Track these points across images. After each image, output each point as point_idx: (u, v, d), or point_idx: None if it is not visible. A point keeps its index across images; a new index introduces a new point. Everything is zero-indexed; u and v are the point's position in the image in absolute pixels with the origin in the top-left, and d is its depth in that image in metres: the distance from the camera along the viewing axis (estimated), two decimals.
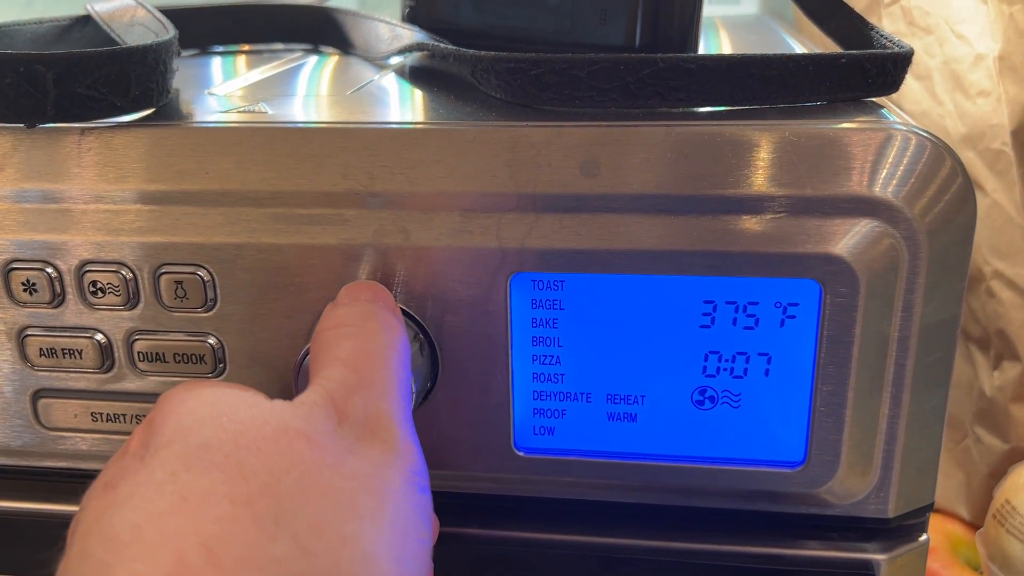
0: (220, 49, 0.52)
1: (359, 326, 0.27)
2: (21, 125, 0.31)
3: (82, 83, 0.30)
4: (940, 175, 0.28)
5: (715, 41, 0.52)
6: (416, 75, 0.41)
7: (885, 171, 0.28)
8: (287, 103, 0.35)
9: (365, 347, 0.26)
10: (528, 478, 0.33)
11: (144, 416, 0.32)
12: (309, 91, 0.38)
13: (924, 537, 0.33)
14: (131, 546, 0.19)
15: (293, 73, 0.43)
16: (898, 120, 0.29)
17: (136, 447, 0.23)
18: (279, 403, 0.23)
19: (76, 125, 0.31)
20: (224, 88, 0.39)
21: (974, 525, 0.59)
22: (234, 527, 0.19)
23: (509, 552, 0.34)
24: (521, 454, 0.32)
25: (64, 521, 0.35)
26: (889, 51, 0.32)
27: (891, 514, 0.32)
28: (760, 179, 0.28)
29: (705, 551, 0.33)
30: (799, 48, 0.48)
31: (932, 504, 0.32)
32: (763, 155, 0.28)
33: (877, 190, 0.28)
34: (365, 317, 0.27)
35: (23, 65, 0.29)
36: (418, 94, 0.37)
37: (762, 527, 0.33)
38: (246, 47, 0.53)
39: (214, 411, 0.23)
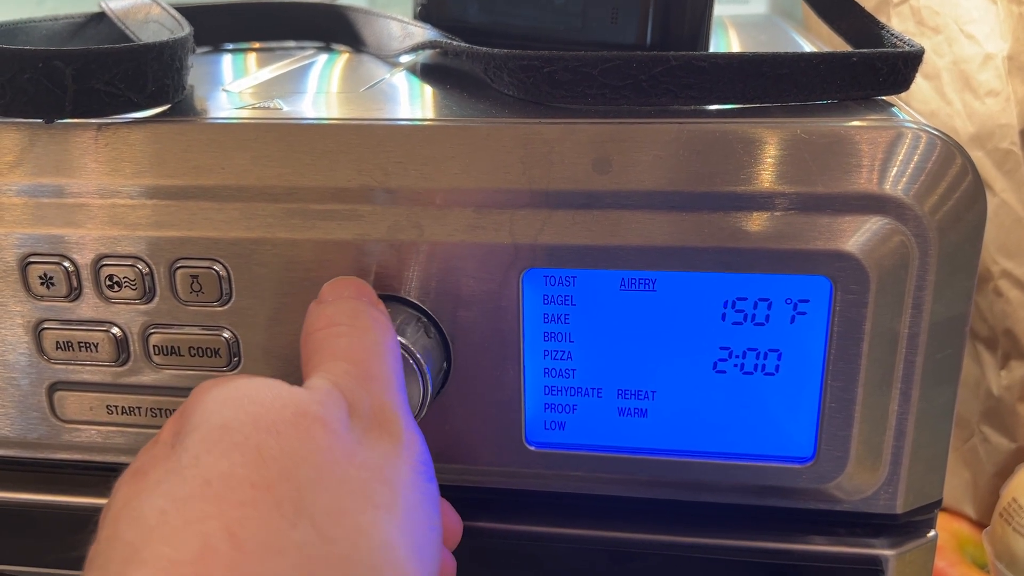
0: (232, 46, 0.52)
1: (350, 324, 0.27)
2: (39, 120, 0.31)
3: (100, 79, 0.30)
4: (950, 173, 0.29)
5: (724, 40, 0.52)
6: (428, 73, 0.41)
7: (896, 169, 0.28)
8: (301, 100, 0.35)
9: (360, 344, 0.26)
10: (539, 472, 0.33)
11: (159, 409, 0.33)
12: (322, 88, 0.38)
13: (932, 533, 0.33)
14: (158, 530, 0.20)
15: (306, 70, 0.43)
16: (909, 118, 0.29)
17: (167, 436, 0.23)
18: (297, 388, 0.24)
19: (93, 121, 0.31)
20: (238, 85, 0.39)
21: (981, 524, 0.59)
22: (256, 511, 0.20)
23: (520, 546, 0.34)
24: (532, 448, 0.32)
25: (78, 513, 0.36)
26: (900, 50, 0.32)
27: (900, 510, 0.32)
28: (771, 176, 0.29)
29: (714, 546, 0.33)
30: (809, 47, 0.48)
31: (940, 501, 0.32)
32: (774, 152, 0.29)
33: (888, 187, 0.28)
34: (354, 315, 0.28)
35: (42, 61, 0.30)
36: (431, 91, 0.37)
37: (771, 522, 0.33)
38: (257, 45, 0.53)
39: (236, 395, 0.23)
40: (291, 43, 0.53)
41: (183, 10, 0.39)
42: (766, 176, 0.29)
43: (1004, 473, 0.56)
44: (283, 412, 0.22)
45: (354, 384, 0.25)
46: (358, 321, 0.27)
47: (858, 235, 0.29)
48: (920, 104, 0.57)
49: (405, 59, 0.45)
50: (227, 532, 0.19)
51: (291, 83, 0.40)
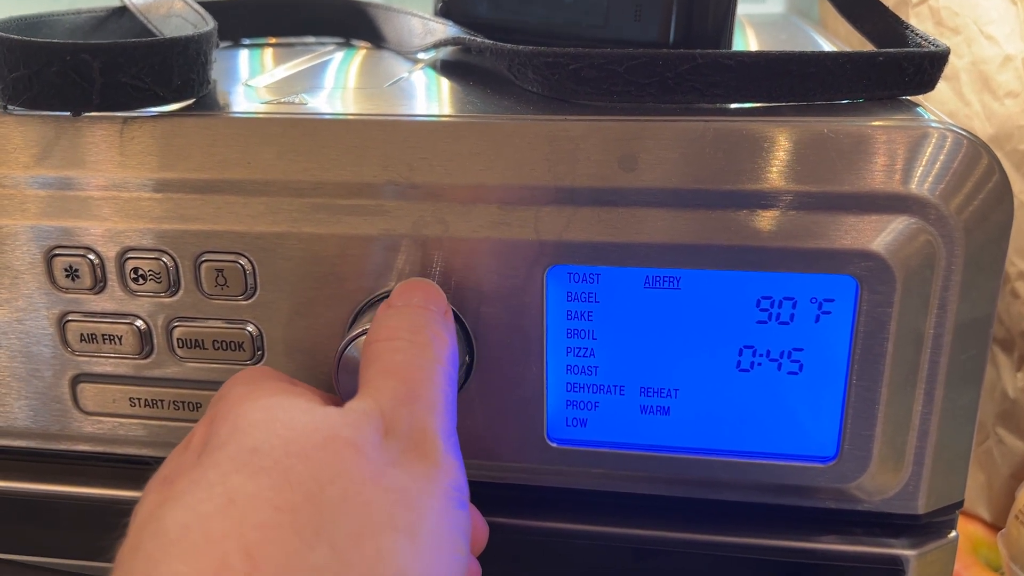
0: (250, 42, 0.52)
1: (409, 340, 0.27)
2: (66, 113, 0.31)
3: (127, 73, 0.30)
4: (976, 172, 0.29)
5: (743, 40, 0.52)
6: (449, 69, 0.41)
7: (921, 168, 0.28)
8: (325, 95, 0.35)
9: (415, 362, 0.26)
10: (560, 469, 0.33)
11: (181, 402, 0.33)
12: (346, 84, 0.39)
13: (953, 534, 0.33)
14: (178, 544, 0.20)
15: (327, 66, 0.44)
16: (934, 118, 0.29)
17: (196, 443, 0.24)
18: (331, 410, 0.24)
19: (119, 114, 0.31)
20: (261, 80, 0.39)
21: (995, 526, 0.59)
22: (276, 534, 0.20)
23: (541, 542, 0.34)
24: (554, 445, 0.32)
25: (99, 504, 0.36)
26: (926, 50, 0.32)
27: (921, 511, 0.32)
28: (797, 175, 0.29)
29: (736, 544, 0.33)
30: (828, 47, 0.48)
31: (962, 502, 0.32)
32: (800, 151, 0.29)
33: (913, 187, 0.28)
34: (416, 329, 0.27)
35: (70, 54, 0.30)
36: (455, 88, 0.37)
37: (792, 521, 0.33)
38: (273, 40, 0.53)
39: (268, 415, 0.23)
40: (311, 39, 0.53)
41: (203, 5, 0.39)
42: (792, 175, 0.29)
43: (1019, 475, 0.56)
44: (314, 436, 0.22)
45: (397, 404, 0.25)
46: (418, 336, 0.27)
47: (884, 235, 0.28)
48: (938, 105, 0.57)
49: (424, 56, 0.45)
50: (245, 552, 0.20)
51: (314, 78, 0.40)
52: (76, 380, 0.34)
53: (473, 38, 0.37)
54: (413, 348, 0.27)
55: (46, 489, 0.36)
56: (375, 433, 0.23)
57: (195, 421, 0.33)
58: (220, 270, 0.31)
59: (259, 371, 0.28)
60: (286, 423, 0.23)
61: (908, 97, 0.32)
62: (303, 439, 0.22)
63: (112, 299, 0.33)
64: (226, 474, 0.21)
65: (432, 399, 0.26)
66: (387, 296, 0.31)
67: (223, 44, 0.51)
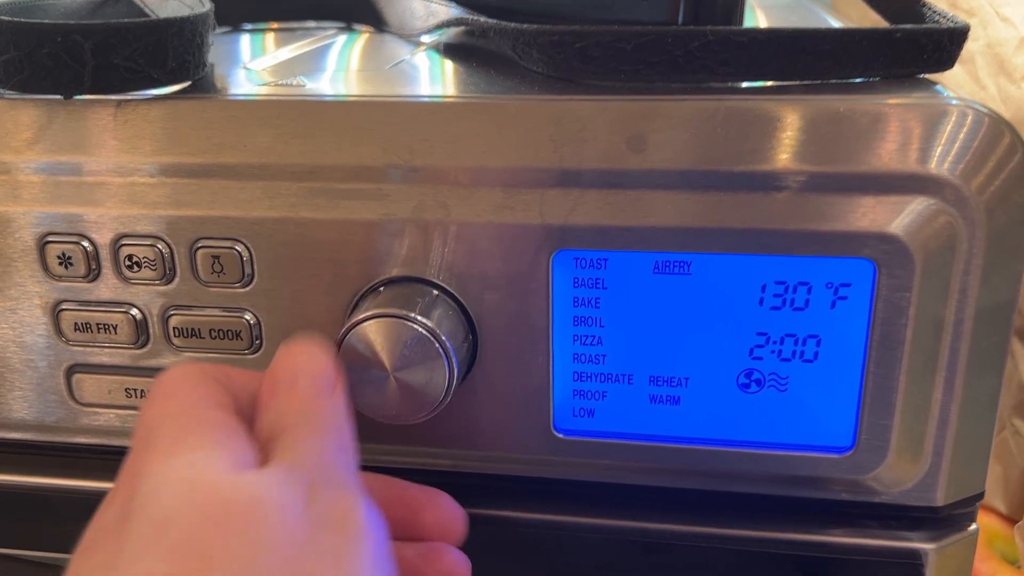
0: (251, 26, 0.52)
1: (304, 419, 0.25)
2: (58, 96, 0.30)
3: (120, 54, 0.30)
4: (998, 151, 0.28)
5: (753, 21, 0.51)
6: (452, 51, 0.41)
7: (941, 147, 0.27)
8: (325, 78, 0.34)
9: (319, 427, 0.24)
10: (567, 461, 0.32)
11: None
12: (346, 66, 0.38)
13: (973, 527, 0.32)
14: None
15: (328, 49, 0.43)
16: (953, 95, 0.28)
17: (121, 502, 0.22)
18: (251, 473, 0.22)
19: (113, 97, 0.31)
20: (259, 63, 0.38)
21: (1011, 519, 0.58)
22: None
23: (547, 535, 0.33)
24: (560, 436, 0.32)
25: (96, 497, 0.35)
26: (945, 26, 0.31)
27: (940, 503, 0.31)
28: (812, 155, 0.28)
29: (748, 537, 0.32)
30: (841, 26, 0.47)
31: (983, 493, 0.31)
32: (816, 131, 0.28)
33: (933, 167, 0.27)
34: (308, 409, 0.25)
35: (61, 35, 0.29)
36: (457, 69, 0.36)
37: (807, 514, 0.32)
38: (274, 24, 0.52)
39: (184, 476, 0.21)
40: (312, 23, 0.52)
41: None
42: (806, 155, 0.28)
43: None
44: (234, 504, 0.20)
45: (317, 461, 0.23)
46: (311, 416, 0.25)
47: (902, 216, 0.27)
48: (953, 89, 0.56)
49: (426, 38, 0.44)
50: None
51: (313, 61, 0.39)
52: (71, 371, 0.33)
53: (476, 18, 0.36)
54: (312, 422, 0.24)
55: (42, 482, 0.35)
56: (301, 493, 0.22)
57: None
58: (216, 257, 0.31)
59: (191, 388, 0.25)
60: (202, 485, 0.21)
61: (926, 75, 0.31)
62: (223, 505, 0.20)
63: (107, 287, 0.32)
64: (135, 554, 0.20)
65: (350, 451, 0.24)
66: (387, 283, 0.30)
67: (223, 29, 0.50)
